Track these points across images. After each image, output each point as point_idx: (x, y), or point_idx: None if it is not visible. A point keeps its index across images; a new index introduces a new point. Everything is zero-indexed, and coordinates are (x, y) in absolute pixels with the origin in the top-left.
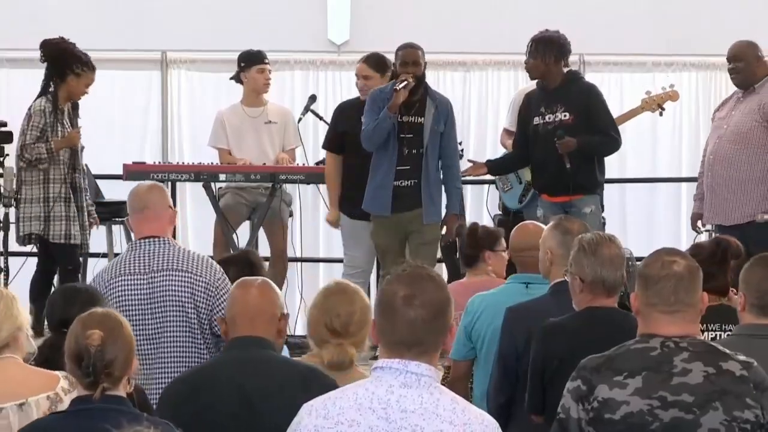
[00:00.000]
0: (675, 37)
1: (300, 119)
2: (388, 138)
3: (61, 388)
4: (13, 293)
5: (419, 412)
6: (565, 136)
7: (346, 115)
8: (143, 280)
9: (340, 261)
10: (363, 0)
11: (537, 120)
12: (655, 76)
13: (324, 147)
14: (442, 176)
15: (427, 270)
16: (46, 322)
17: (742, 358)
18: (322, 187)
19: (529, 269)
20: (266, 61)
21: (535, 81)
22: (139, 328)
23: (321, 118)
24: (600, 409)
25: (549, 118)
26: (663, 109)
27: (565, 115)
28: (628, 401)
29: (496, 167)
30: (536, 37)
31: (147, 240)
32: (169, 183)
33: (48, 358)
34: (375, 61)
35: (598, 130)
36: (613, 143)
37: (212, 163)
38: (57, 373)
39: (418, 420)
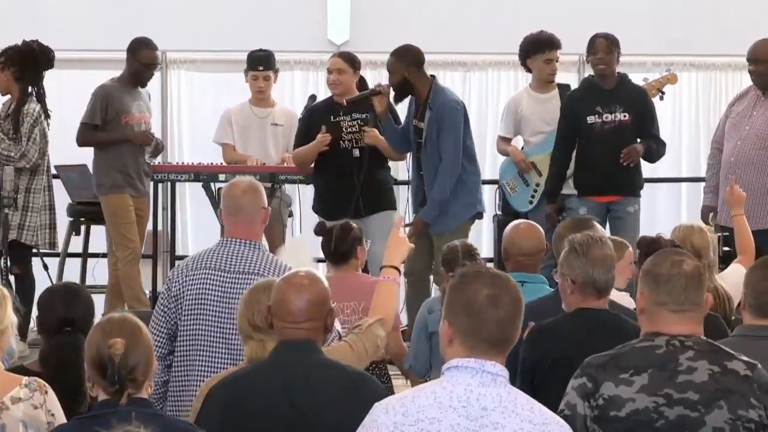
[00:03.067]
0: (675, 37)
1: (300, 119)
2: (410, 142)
3: (10, 398)
4: (5, 292)
5: (499, 410)
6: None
7: (316, 119)
8: (226, 278)
9: None
10: (363, 0)
11: (592, 119)
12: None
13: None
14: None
15: (500, 271)
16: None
17: (745, 358)
18: None
19: (524, 270)
20: (261, 68)
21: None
22: (213, 323)
23: None
24: (605, 406)
25: (607, 118)
26: (663, 93)
27: (624, 116)
28: (634, 398)
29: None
30: (605, 34)
31: (238, 240)
32: (169, 183)
33: (66, 358)
34: (348, 57)
35: (647, 134)
36: (663, 150)
37: (212, 163)
38: (24, 378)
39: (498, 418)
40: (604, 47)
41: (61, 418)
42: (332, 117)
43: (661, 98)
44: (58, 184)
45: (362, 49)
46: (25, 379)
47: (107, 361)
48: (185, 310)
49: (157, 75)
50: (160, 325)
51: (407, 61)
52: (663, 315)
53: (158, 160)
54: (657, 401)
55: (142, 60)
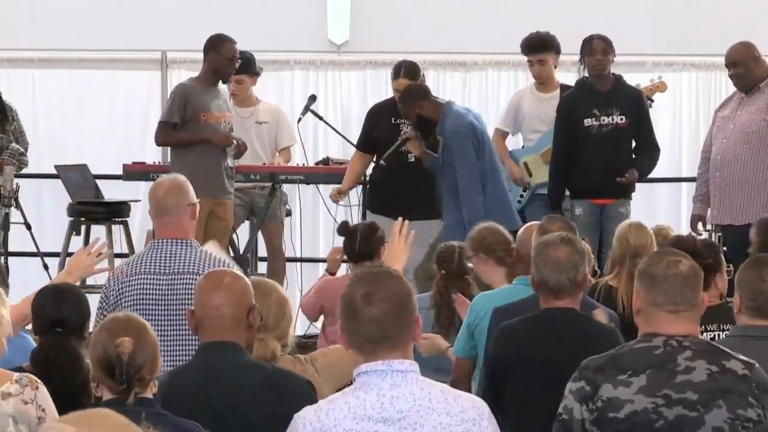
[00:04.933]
0: (675, 37)
1: (300, 119)
2: None
3: (0, 393)
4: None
5: (415, 409)
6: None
7: (377, 118)
8: (163, 280)
9: None
10: (363, 0)
11: (589, 122)
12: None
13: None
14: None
15: (386, 268)
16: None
17: (743, 358)
18: (322, 187)
19: None
20: (241, 73)
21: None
22: (155, 328)
23: (321, 118)
24: (604, 408)
25: (604, 120)
26: (652, 100)
27: (621, 118)
28: (633, 400)
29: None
30: (600, 36)
31: (169, 240)
32: None
33: (48, 359)
34: (409, 69)
35: (642, 137)
36: (656, 156)
37: None
38: (16, 374)
39: (416, 417)
40: (602, 49)
41: (52, 414)
42: (393, 119)
43: (650, 106)
44: (58, 184)
45: (362, 49)
46: (16, 375)
47: (115, 361)
48: None
49: (156, 74)
50: None
51: (413, 98)
52: (659, 315)
53: (158, 159)
54: (656, 402)
55: (227, 54)
